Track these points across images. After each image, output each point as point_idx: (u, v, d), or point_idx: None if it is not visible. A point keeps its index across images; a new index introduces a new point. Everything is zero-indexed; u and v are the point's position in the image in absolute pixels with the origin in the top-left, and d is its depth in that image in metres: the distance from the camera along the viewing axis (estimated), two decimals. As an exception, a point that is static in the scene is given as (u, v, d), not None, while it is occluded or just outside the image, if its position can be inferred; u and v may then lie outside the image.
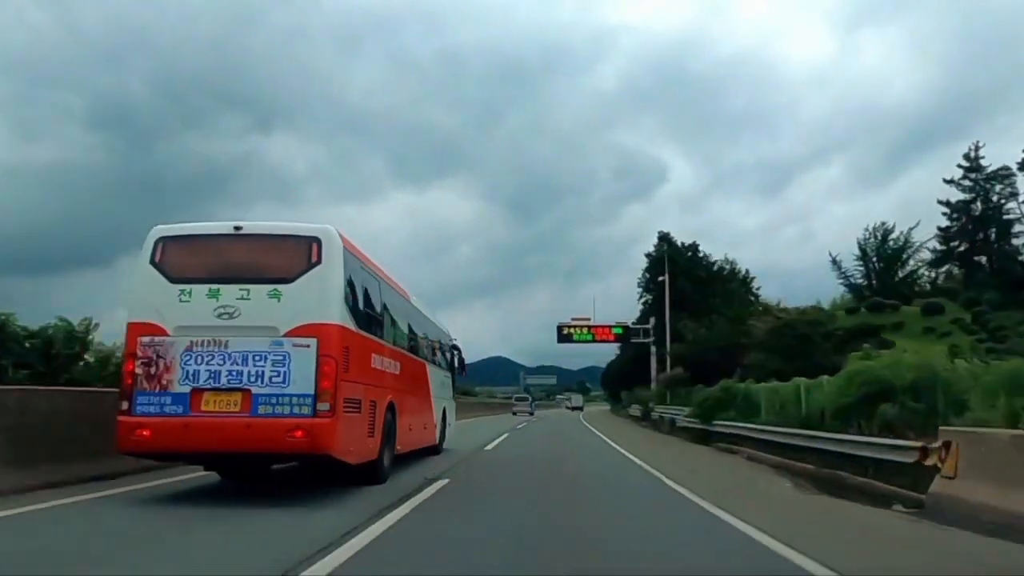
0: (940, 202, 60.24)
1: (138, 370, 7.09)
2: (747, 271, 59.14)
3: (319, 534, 5.39)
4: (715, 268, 57.88)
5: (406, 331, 11.27)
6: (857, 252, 61.98)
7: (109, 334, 14.05)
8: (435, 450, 13.82)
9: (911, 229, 60.15)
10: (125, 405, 7.07)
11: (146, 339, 7.15)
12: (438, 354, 14.59)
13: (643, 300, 61.28)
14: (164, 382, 7.04)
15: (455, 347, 16.83)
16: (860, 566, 4.99)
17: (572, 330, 48.30)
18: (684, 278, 52.55)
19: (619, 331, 48.92)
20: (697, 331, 42.18)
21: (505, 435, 21.81)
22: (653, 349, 45.80)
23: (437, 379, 13.97)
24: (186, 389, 7.00)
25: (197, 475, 9.02)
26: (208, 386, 7.00)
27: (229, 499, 7.57)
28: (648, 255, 60.58)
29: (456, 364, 16.87)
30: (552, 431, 27.55)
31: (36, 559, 4.69)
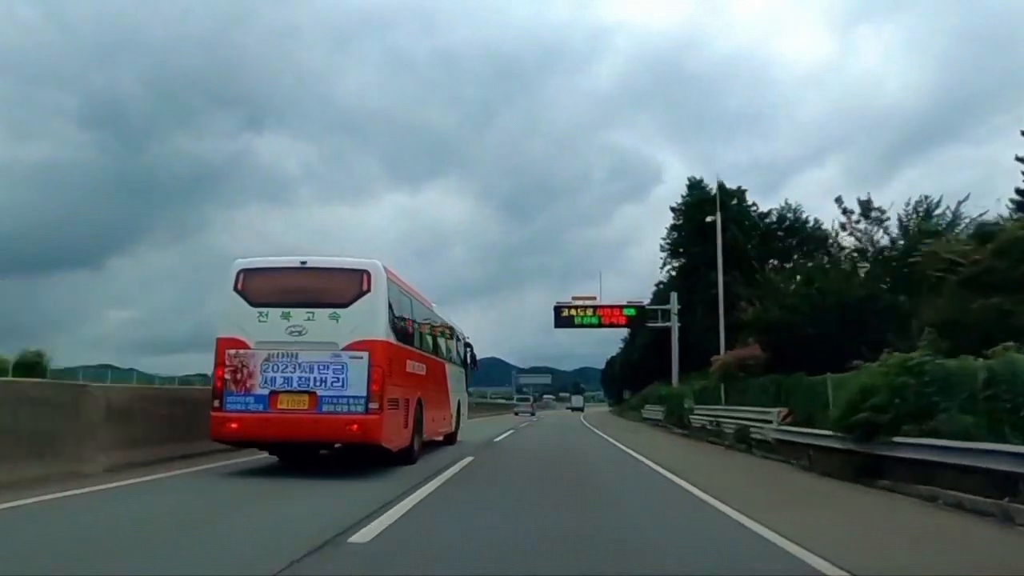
0: (1019, 159, 52.73)
1: (227, 376, 9.11)
2: (814, 221, 40.04)
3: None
4: (769, 219, 44.64)
5: (430, 337, 13.28)
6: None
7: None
8: (451, 439, 15.69)
9: (960, 203, 53.10)
10: (217, 403, 9.11)
11: (232, 351, 9.15)
12: (454, 352, 16.40)
13: (667, 268, 50.66)
14: (248, 385, 9.05)
15: (468, 344, 18.61)
16: None
17: (573, 312, 40.61)
18: (735, 227, 39.73)
19: (631, 312, 40.97)
20: (787, 282, 26.09)
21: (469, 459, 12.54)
22: (676, 333, 38.73)
23: (454, 375, 15.83)
24: (265, 391, 9.01)
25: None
26: (283, 389, 9.00)
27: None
28: (675, 208, 48.79)
29: (469, 360, 18.59)
30: (559, 443, 19.68)
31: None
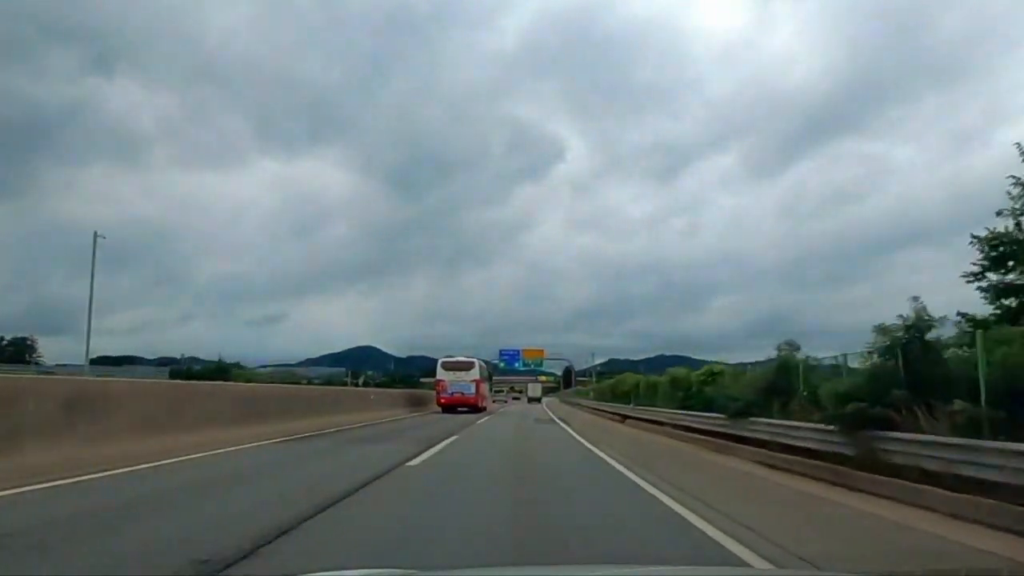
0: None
1: (440, 389, 37.32)
2: None
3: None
4: None
5: (485, 374, 41.60)
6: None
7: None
8: (487, 410, 43.79)
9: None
10: (437, 396, 37.59)
11: (442, 382, 37.37)
12: (487, 375, 45.04)
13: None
14: (446, 391, 37.46)
15: (489, 372, 47.29)
16: None
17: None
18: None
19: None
20: None
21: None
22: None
23: (488, 385, 44.80)
24: (451, 392, 37.27)
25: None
26: (455, 392, 37.32)
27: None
28: None
29: (489, 378, 47.38)
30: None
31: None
